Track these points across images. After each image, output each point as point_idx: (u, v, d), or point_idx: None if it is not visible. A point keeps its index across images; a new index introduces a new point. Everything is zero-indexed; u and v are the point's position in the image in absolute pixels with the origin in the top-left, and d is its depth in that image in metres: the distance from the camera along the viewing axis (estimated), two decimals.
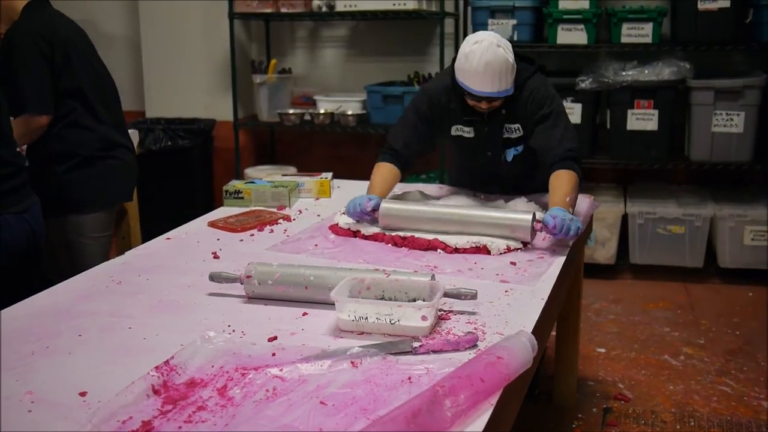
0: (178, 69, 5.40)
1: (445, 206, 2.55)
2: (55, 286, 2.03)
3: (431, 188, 3.10)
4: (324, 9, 4.86)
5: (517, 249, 2.31)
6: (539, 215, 2.38)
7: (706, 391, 3.28)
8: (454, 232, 2.40)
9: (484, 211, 2.46)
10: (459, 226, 2.41)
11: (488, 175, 2.93)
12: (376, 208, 2.50)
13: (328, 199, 2.98)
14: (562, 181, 2.57)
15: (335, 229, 2.53)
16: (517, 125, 2.75)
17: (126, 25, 5.68)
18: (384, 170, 2.75)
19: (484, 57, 2.50)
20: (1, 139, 2.49)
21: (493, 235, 2.35)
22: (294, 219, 2.71)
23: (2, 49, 2.85)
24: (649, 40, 4.42)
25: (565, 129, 2.70)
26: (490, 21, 4.53)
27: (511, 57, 2.55)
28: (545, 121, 2.68)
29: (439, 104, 2.76)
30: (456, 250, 2.29)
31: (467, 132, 2.79)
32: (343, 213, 2.59)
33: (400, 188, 2.89)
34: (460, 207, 2.54)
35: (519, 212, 2.42)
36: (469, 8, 4.77)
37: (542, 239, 2.41)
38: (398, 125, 2.85)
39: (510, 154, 2.80)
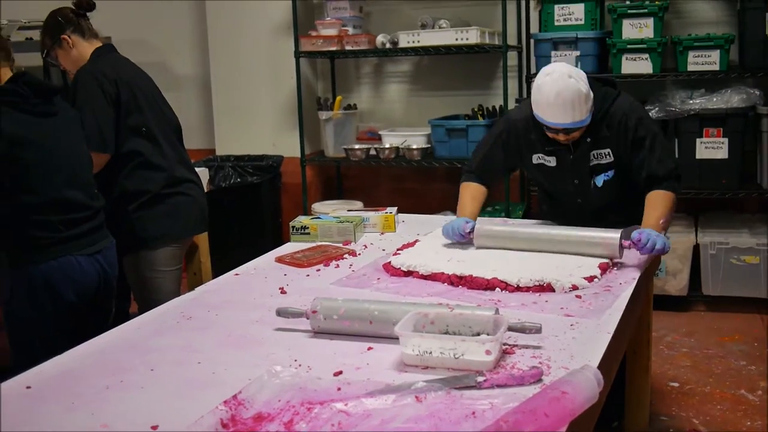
0: (246, 107, 5.53)
1: (534, 226, 2.76)
2: (128, 322, 2.10)
3: (496, 221, 3.09)
4: (387, 45, 4.93)
5: (584, 288, 2.24)
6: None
7: None
8: (544, 250, 2.53)
9: (574, 231, 2.56)
10: (549, 244, 2.54)
11: (576, 204, 2.92)
12: (472, 230, 2.67)
13: (393, 234, 3.00)
14: (657, 201, 2.62)
15: (388, 267, 2.49)
16: (607, 150, 2.76)
17: (197, 66, 5.85)
18: (472, 190, 2.92)
19: (554, 88, 2.55)
20: (80, 183, 2.60)
21: (584, 254, 2.45)
22: (359, 254, 2.73)
23: (70, 89, 2.99)
24: (716, 67, 4.35)
25: (663, 149, 2.72)
26: (553, 53, 4.52)
27: (584, 87, 2.57)
28: (642, 144, 2.70)
29: (516, 133, 2.85)
30: (518, 288, 2.22)
31: (549, 161, 2.83)
32: (397, 254, 2.60)
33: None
34: (550, 227, 2.71)
35: (607, 230, 2.50)
36: (532, 41, 4.79)
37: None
38: (477, 149, 2.98)
39: (600, 180, 2.81)
